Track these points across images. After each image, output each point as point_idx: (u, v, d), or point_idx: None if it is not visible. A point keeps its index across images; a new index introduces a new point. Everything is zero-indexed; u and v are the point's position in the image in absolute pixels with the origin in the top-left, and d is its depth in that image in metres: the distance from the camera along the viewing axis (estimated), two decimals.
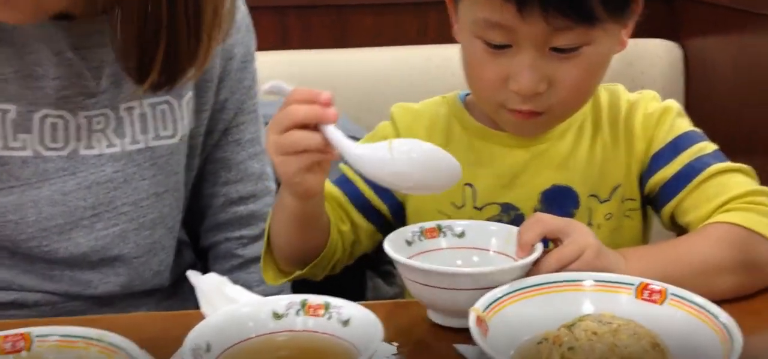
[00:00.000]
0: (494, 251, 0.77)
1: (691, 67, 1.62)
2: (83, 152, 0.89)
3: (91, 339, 0.62)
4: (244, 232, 1.04)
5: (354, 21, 1.66)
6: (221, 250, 1.05)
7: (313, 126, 0.70)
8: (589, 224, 0.86)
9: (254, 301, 0.66)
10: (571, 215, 0.87)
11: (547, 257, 0.72)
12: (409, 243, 0.77)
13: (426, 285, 0.70)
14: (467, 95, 0.92)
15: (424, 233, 0.78)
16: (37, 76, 0.85)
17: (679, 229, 0.85)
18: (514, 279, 0.69)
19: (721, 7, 1.52)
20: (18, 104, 0.85)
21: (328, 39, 1.65)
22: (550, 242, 0.75)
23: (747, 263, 0.77)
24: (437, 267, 0.70)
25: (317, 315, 0.64)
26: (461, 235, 0.79)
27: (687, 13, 1.65)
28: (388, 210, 0.90)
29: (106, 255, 0.92)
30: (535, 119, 0.82)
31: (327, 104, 0.70)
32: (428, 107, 0.93)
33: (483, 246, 0.78)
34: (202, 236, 1.07)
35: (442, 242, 0.78)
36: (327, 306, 0.64)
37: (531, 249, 0.73)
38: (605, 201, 0.87)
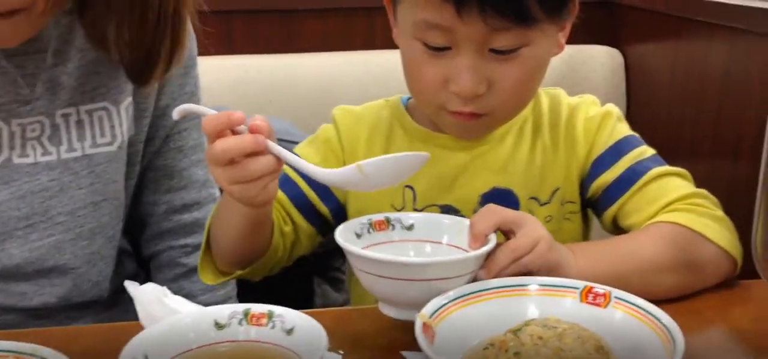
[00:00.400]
0: (447, 244, 0.76)
1: (631, 72, 1.66)
2: (17, 160, 0.86)
3: (23, 353, 0.59)
4: (188, 240, 1.01)
5: (301, 26, 1.65)
6: (164, 259, 1.02)
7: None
8: None
9: (195, 311, 0.65)
10: None
11: (500, 248, 0.72)
12: (358, 236, 0.75)
13: (379, 275, 0.69)
14: (409, 98, 0.92)
15: (373, 226, 0.76)
16: None
17: (620, 232, 0.86)
18: (469, 271, 0.69)
19: (658, 14, 1.56)
20: None
21: (274, 44, 1.63)
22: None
23: (689, 262, 0.78)
24: (391, 257, 0.69)
25: (260, 324, 0.63)
26: (410, 228, 0.78)
27: (626, 19, 1.69)
28: (329, 213, 0.89)
29: (41, 267, 0.89)
30: (476, 121, 0.82)
31: (241, 122, 0.69)
32: (370, 110, 0.93)
33: (434, 239, 0.77)
34: (144, 245, 1.04)
35: (393, 234, 0.77)
36: (270, 315, 0.63)
37: (484, 240, 0.72)
38: (545, 204, 0.88)
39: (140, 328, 0.62)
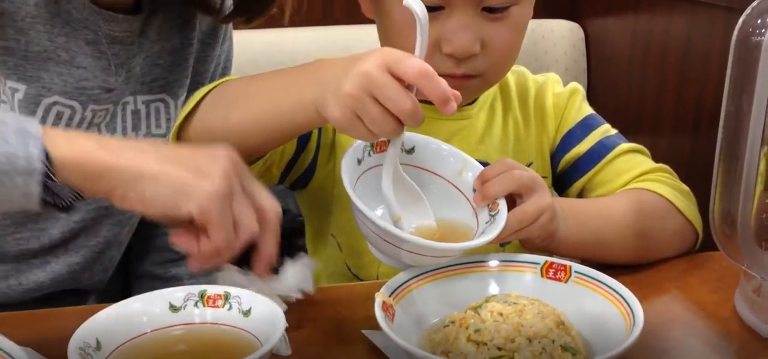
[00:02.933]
0: (446, 179, 0.73)
1: (592, 46, 1.66)
2: None
3: None
4: None
5: None
6: (157, 243, 1.01)
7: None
8: None
9: (148, 295, 0.63)
10: None
11: (509, 217, 0.69)
12: (359, 162, 0.71)
13: (374, 232, 0.66)
14: None
15: (374, 147, 0.72)
16: (60, 60, 0.80)
17: None
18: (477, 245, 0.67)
19: None
20: (29, 84, 0.79)
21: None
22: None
23: (661, 229, 0.81)
24: (392, 229, 0.65)
25: (216, 306, 0.61)
26: (411, 151, 0.74)
27: None
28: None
29: (68, 247, 0.89)
30: (467, 83, 0.80)
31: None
32: None
33: (433, 170, 0.74)
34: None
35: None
36: (226, 296, 0.61)
37: (494, 204, 0.70)
38: None
39: (93, 312, 0.60)
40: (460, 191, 0.73)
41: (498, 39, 0.78)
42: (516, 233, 0.70)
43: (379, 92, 0.61)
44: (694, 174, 1.37)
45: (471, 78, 0.80)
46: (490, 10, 0.77)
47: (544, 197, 0.72)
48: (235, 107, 0.73)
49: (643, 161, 0.86)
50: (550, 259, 0.69)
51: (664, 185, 0.83)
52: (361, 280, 0.84)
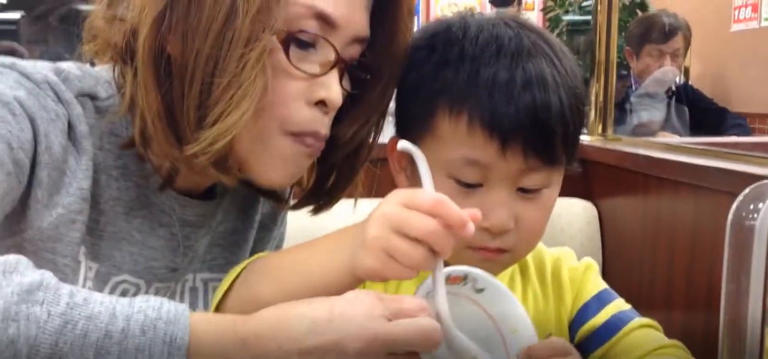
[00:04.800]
0: (503, 332, 0.74)
1: (605, 224, 1.72)
2: None
3: None
4: None
5: None
6: None
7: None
8: None
9: None
10: None
11: None
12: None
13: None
14: None
15: (448, 281, 0.73)
16: (133, 241, 0.83)
17: None
18: None
19: (627, 171, 1.64)
20: (101, 262, 0.82)
21: None
22: None
23: None
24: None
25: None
26: (481, 291, 0.75)
27: (598, 175, 1.77)
28: None
29: None
30: (500, 257, 0.85)
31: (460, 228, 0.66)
32: None
33: (495, 316, 0.75)
34: None
35: (462, 290, 0.74)
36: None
37: None
38: None
39: None
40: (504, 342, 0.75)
41: (530, 217, 0.84)
42: None
43: (402, 224, 0.66)
44: (709, 350, 1.39)
45: (503, 252, 0.85)
46: (524, 190, 0.83)
47: None
48: (265, 280, 0.77)
49: (658, 337, 0.90)
50: None
51: None
52: None
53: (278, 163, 0.78)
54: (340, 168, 0.89)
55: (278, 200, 0.94)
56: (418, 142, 0.82)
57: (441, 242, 0.66)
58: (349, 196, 0.92)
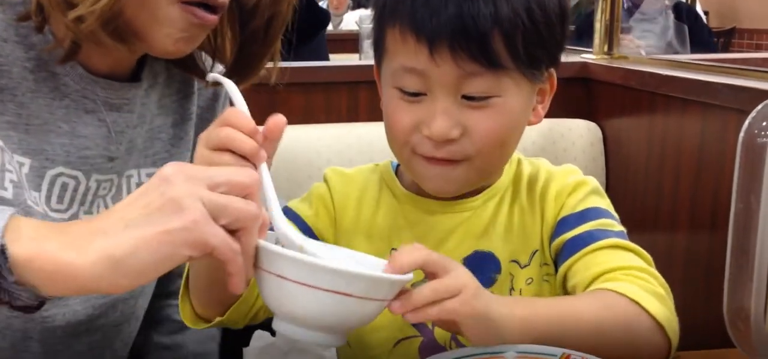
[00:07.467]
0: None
1: (609, 145, 1.70)
2: (82, 217, 0.87)
3: None
4: None
5: (285, 99, 1.68)
6: (162, 314, 1.03)
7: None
8: (511, 290, 0.89)
9: None
10: (493, 280, 0.88)
11: (422, 286, 0.69)
12: None
13: (279, 275, 0.64)
14: (399, 164, 0.94)
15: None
16: (61, 131, 0.83)
17: (567, 293, 0.86)
18: (384, 295, 0.67)
19: (633, 90, 1.61)
20: (33, 157, 0.82)
21: (257, 117, 1.65)
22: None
23: (624, 331, 0.78)
24: (296, 255, 0.65)
25: None
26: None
27: (603, 94, 1.73)
28: None
29: (91, 326, 0.90)
30: (452, 168, 0.84)
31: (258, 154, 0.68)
32: (361, 173, 0.96)
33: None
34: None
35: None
36: None
37: (402, 273, 0.68)
38: (525, 266, 0.89)
39: None
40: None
41: (481, 126, 0.82)
42: (438, 307, 0.69)
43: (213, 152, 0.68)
44: (713, 271, 1.38)
45: (455, 162, 0.83)
46: (470, 97, 0.81)
47: (462, 275, 0.71)
48: None
49: (625, 259, 0.83)
50: (566, 351, 0.70)
51: (633, 286, 0.80)
52: None
53: (169, 31, 0.79)
54: (257, 38, 0.90)
55: (199, 75, 0.94)
56: (381, 62, 0.87)
57: (244, 147, 0.68)
58: (271, 60, 0.93)
